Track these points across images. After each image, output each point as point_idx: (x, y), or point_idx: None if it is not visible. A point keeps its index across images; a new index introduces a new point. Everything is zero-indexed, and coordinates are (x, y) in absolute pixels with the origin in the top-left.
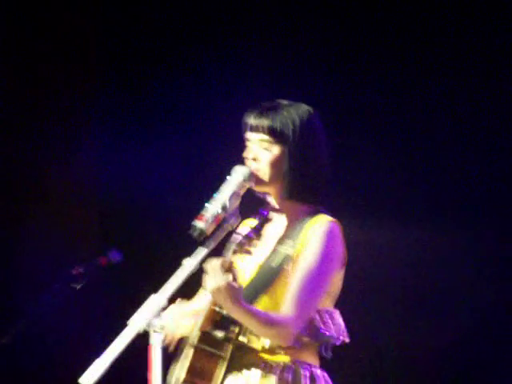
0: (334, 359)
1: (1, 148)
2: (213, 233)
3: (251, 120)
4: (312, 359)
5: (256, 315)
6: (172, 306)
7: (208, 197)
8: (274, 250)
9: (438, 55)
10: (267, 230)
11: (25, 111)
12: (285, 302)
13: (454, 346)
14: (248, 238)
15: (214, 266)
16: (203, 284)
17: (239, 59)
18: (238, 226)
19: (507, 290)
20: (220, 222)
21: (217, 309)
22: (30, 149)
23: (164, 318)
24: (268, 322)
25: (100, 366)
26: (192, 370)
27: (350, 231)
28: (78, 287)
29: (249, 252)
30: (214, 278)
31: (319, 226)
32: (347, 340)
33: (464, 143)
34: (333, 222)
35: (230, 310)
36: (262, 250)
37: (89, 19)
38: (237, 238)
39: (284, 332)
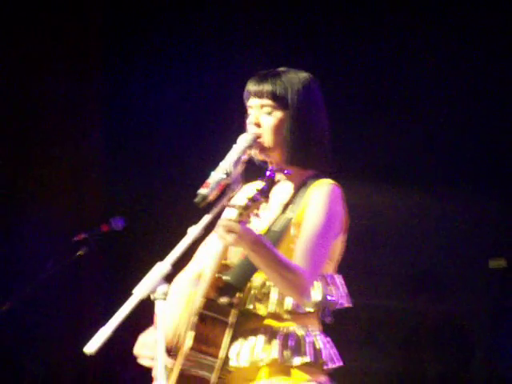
0: (337, 324)
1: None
2: (217, 199)
3: (252, 86)
4: (315, 325)
5: (280, 257)
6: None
7: (215, 166)
8: (278, 216)
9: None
10: (273, 193)
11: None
12: (295, 258)
13: (454, 311)
14: (254, 201)
15: (223, 221)
16: (217, 244)
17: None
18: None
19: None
20: (224, 189)
21: (220, 275)
22: (33, 116)
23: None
24: (290, 266)
25: (103, 333)
26: (198, 338)
27: (350, 197)
28: (81, 254)
29: (257, 215)
30: (228, 229)
31: (321, 188)
32: (350, 305)
33: (459, 106)
34: (334, 185)
35: (255, 253)
36: (267, 215)
37: None
38: (241, 200)
39: (301, 281)
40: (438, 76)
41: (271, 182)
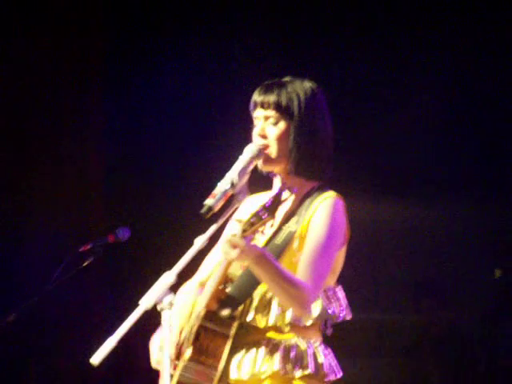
0: (337, 336)
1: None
2: (222, 209)
3: (258, 97)
4: (316, 337)
5: (283, 271)
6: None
7: (222, 176)
8: (280, 228)
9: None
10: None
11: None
12: (298, 272)
13: (457, 321)
14: (259, 218)
15: (228, 236)
16: (222, 256)
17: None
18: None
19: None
20: (229, 199)
21: (223, 287)
22: (36, 125)
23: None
24: (293, 280)
25: (109, 344)
26: (198, 349)
27: (353, 207)
28: (86, 264)
29: (262, 232)
30: (232, 244)
31: (325, 201)
32: (349, 317)
33: (463, 116)
34: (338, 198)
35: (259, 267)
36: (271, 228)
37: None
38: (247, 215)
39: (304, 296)
40: (439, 86)
41: (278, 200)
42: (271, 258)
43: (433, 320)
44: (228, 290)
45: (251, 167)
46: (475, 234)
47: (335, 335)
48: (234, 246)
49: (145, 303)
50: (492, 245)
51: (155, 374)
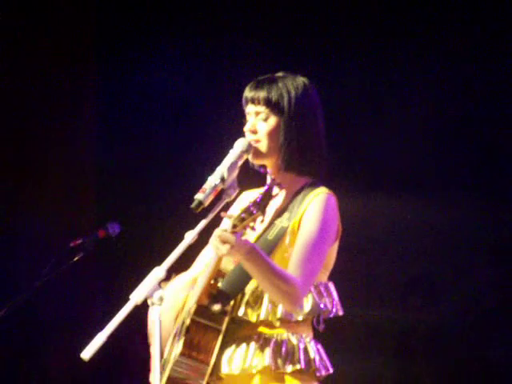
0: (327, 332)
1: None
2: (212, 204)
3: (249, 93)
4: (306, 332)
5: (274, 266)
6: (172, 282)
7: (212, 170)
8: (271, 223)
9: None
10: (269, 204)
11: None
12: (289, 268)
13: (450, 319)
14: (250, 213)
15: (218, 232)
16: (213, 252)
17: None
18: (235, 198)
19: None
20: (219, 193)
21: (215, 282)
22: (27, 120)
23: (165, 293)
24: (284, 276)
25: (99, 339)
26: (189, 344)
27: (343, 204)
28: (77, 259)
29: (252, 228)
30: (222, 240)
31: (317, 197)
32: (341, 313)
33: (457, 113)
34: (330, 194)
35: (250, 262)
36: (261, 223)
37: None
38: (235, 211)
39: (294, 291)
40: (434, 82)
41: (268, 196)
42: (262, 253)
43: (422, 317)
44: (219, 284)
45: (241, 162)
46: (468, 231)
47: (324, 331)
48: (224, 242)
49: (135, 298)
50: (486, 242)
51: (146, 369)
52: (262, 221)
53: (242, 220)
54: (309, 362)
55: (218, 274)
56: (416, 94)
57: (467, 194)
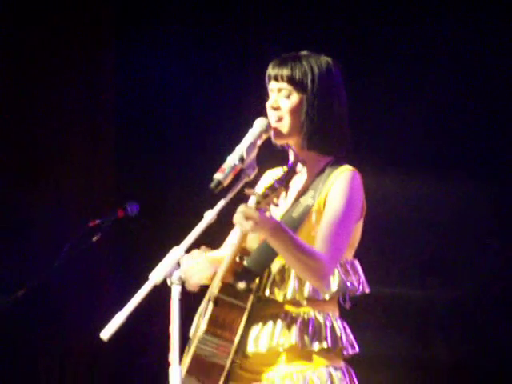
0: (353, 310)
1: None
2: (231, 184)
3: (272, 70)
4: (333, 310)
5: (300, 243)
6: (195, 252)
7: (231, 150)
8: (296, 201)
9: None
10: (293, 181)
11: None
12: (316, 244)
13: (468, 298)
14: (273, 189)
15: (242, 208)
16: (237, 228)
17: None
18: (258, 177)
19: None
20: (238, 173)
21: (240, 259)
22: (45, 104)
23: (186, 263)
24: (310, 251)
25: (118, 319)
26: (213, 321)
27: (368, 181)
28: (95, 239)
29: (276, 204)
30: (246, 216)
31: (342, 175)
32: (367, 291)
33: (467, 95)
34: (355, 171)
35: (275, 238)
36: (285, 202)
37: None
38: (260, 188)
39: (321, 267)
40: (443, 65)
41: (292, 172)
42: (287, 229)
43: (440, 296)
44: (244, 262)
45: (260, 141)
46: (487, 210)
47: (350, 309)
48: (248, 218)
49: (154, 278)
50: (504, 222)
51: (165, 349)
52: (286, 197)
53: (266, 196)
54: (335, 340)
55: (243, 251)
56: (433, 76)
57: (486, 173)
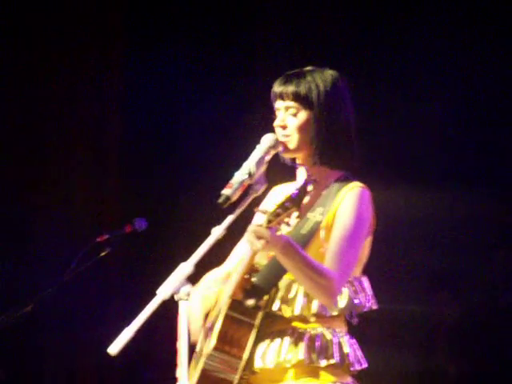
0: (356, 325)
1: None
2: (239, 199)
3: (277, 88)
4: (340, 326)
5: (310, 260)
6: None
7: (238, 166)
8: (305, 218)
9: None
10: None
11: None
12: (326, 262)
13: (475, 313)
14: (285, 209)
15: (253, 227)
16: (248, 247)
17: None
18: (265, 193)
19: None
20: (246, 189)
21: (249, 277)
22: (52, 114)
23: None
24: (320, 269)
25: (126, 334)
26: (222, 338)
27: (374, 196)
28: (103, 255)
29: (287, 223)
30: (257, 235)
31: (351, 191)
32: (375, 307)
33: (470, 105)
34: (364, 188)
35: (286, 256)
36: (296, 219)
37: None
38: (272, 205)
39: (331, 285)
40: (447, 76)
41: (304, 191)
42: (297, 247)
43: (448, 312)
44: (253, 279)
45: (269, 157)
46: (494, 225)
47: (351, 325)
48: (259, 237)
49: (162, 293)
50: (508, 237)
51: (173, 364)
52: (298, 217)
53: (277, 215)
54: (343, 356)
55: (252, 268)
56: (443, 80)
57: (490, 186)
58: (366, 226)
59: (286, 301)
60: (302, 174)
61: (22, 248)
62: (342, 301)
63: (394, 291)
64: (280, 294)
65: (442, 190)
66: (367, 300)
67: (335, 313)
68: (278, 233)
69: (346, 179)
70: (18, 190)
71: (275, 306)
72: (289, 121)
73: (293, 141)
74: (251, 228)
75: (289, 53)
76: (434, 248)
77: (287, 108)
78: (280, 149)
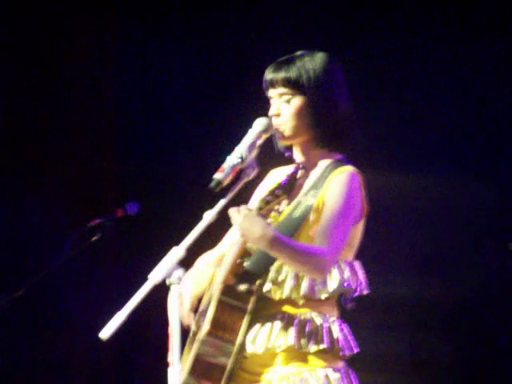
0: (353, 310)
1: (14, 100)
2: (231, 184)
3: (268, 76)
4: (331, 311)
5: (295, 245)
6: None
7: (230, 150)
8: (298, 202)
9: None
10: (295, 185)
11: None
12: (316, 238)
13: (467, 297)
14: (275, 196)
15: (240, 210)
16: (235, 232)
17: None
18: (261, 177)
19: None
20: (238, 173)
21: (241, 261)
22: (45, 100)
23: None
24: (307, 250)
25: (118, 318)
26: (215, 323)
27: (370, 182)
28: (95, 239)
29: (277, 210)
30: (241, 219)
31: (340, 175)
32: (367, 292)
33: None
34: (354, 173)
35: (267, 244)
36: (287, 206)
37: None
38: (263, 191)
39: (322, 263)
40: (445, 68)
41: (293, 179)
42: (284, 238)
43: (439, 295)
44: (246, 264)
45: (260, 141)
46: (487, 210)
47: (344, 310)
48: (243, 221)
49: (154, 278)
50: (501, 224)
51: (164, 348)
52: (288, 204)
53: (267, 203)
54: (332, 341)
55: (244, 253)
56: (442, 70)
57: (483, 172)
58: (354, 208)
59: (276, 283)
60: (299, 157)
61: (13, 232)
62: (331, 283)
63: (384, 276)
64: (270, 275)
65: (434, 177)
66: (358, 284)
67: (324, 296)
68: (269, 220)
69: (339, 163)
70: (10, 175)
71: (265, 288)
72: (283, 108)
73: (288, 128)
74: (238, 210)
75: (287, 44)
76: (424, 233)
77: (280, 95)
78: (272, 133)
